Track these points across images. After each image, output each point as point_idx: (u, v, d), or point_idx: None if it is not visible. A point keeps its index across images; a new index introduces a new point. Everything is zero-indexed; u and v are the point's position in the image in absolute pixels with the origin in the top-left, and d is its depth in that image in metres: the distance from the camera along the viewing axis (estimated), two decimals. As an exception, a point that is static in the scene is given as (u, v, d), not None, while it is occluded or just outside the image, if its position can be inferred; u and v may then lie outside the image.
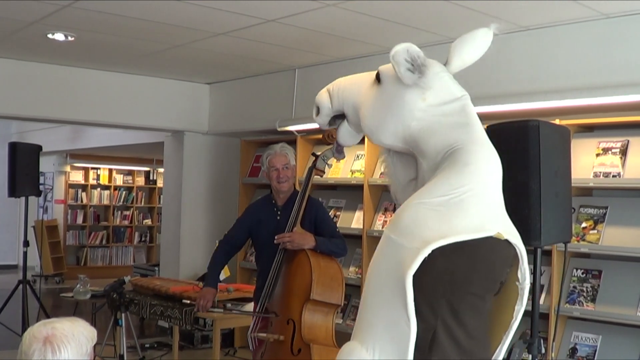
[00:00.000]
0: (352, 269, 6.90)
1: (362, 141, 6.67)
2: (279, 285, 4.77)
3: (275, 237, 4.78)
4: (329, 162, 4.87)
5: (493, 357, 2.88)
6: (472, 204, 2.65)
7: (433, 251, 2.52)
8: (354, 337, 2.77)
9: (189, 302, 5.92)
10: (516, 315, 2.85)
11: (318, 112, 3.26)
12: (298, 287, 4.63)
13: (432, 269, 2.56)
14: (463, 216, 2.63)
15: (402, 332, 2.56)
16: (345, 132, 3.28)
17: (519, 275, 2.82)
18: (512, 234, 2.74)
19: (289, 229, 4.79)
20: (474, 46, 2.94)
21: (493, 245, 2.68)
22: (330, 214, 6.98)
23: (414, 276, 2.52)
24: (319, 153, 4.87)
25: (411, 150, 2.93)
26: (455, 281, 2.68)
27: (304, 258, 4.65)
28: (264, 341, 4.78)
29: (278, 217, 4.99)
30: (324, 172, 4.87)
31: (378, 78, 3.00)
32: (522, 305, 2.84)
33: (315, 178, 4.89)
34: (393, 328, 2.60)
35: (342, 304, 4.73)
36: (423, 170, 2.87)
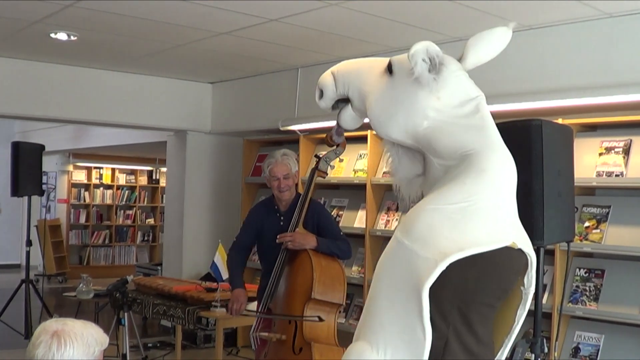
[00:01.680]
0: (354, 268, 6.90)
1: (364, 140, 6.71)
2: (282, 285, 4.78)
3: (278, 237, 4.79)
4: (331, 163, 4.89)
5: None
6: (488, 212, 2.60)
7: None
8: (362, 337, 2.70)
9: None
10: (518, 319, 2.83)
11: (321, 95, 3.14)
12: (300, 286, 4.64)
13: (445, 279, 2.49)
14: (479, 226, 2.57)
15: (416, 340, 2.51)
16: (348, 117, 3.14)
17: (525, 281, 2.79)
18: (525, 243, 2.69)
19: (292, 230, 4.80)
20: (491, 44, 2.87)
21: (506, 256, 2.63)
22: (333, 213, 6.99)
23: None
24: (321, 155, 4.89)
25: (420, 147, 2.86)
26: (467, 291, 2.64)
27: (306, 258, 4.67)
28: (267, 341, 4.79)
29: (281, 223, 4.99)
30: (327, 174, 4.90)
31: (390, 69, 2.88)
32: (524, 310, 2.82)
33: (318, 179, 4.90)
34: (407, 334, 2.55)
35: (344, 304, 4.74)
36: (435, 169, 2.80)
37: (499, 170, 2.66)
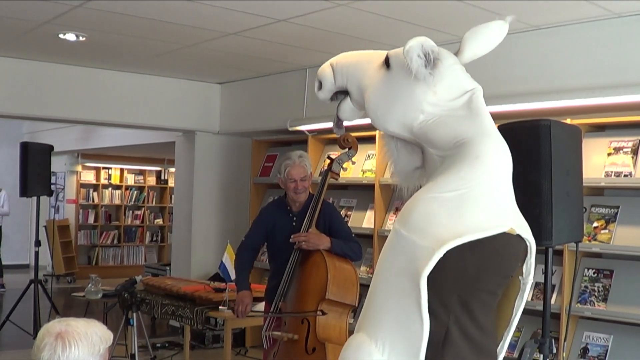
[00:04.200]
0: (363, 268, 6.90)
1: (373, 141, 6.71)
2: (294, 285, 4.78)
3: (292, 236, 4.79)
4: (344, 165, 4.92)
5: None
6: (484, 199, 2.57)
7: None
8: (361, 329, 2.70)
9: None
10: (516, 311, 2.80)
11: (320, 87, 3.19)
12: (313, 286, 4.64)
13: (444, 266, 2.47)
14: (476, 212, 2.54)
15: (414, 331, 2.49)
16: (347, 109, 3.19)
17: (524, 270, 2.77)
18: (523, 229, 2.67)
19: (304, 230, 4.81)
20: (487, 38, 2.90)
21: (505, 241, 2.60)
22: (341, 213, 6.98)
23: None
24: (334, 156, 4.91)
25: (417, 140, 2.87)
26: (467, 278, 2.60)
27: (320, 258, 4.67)
28: (278, 340, 4.79)
29: (294, 224, 4.99)
30: (339, 175, 4.93)
31: (387, 63, 2.92)
32: (522, 300, 2.79)
33: (331, 180, 4.92)
34: (405, 326, 2.53)
35: (357, 305, 4.74)
36: (432, 161, 2.81)
37: (493, 156, 2.64)
